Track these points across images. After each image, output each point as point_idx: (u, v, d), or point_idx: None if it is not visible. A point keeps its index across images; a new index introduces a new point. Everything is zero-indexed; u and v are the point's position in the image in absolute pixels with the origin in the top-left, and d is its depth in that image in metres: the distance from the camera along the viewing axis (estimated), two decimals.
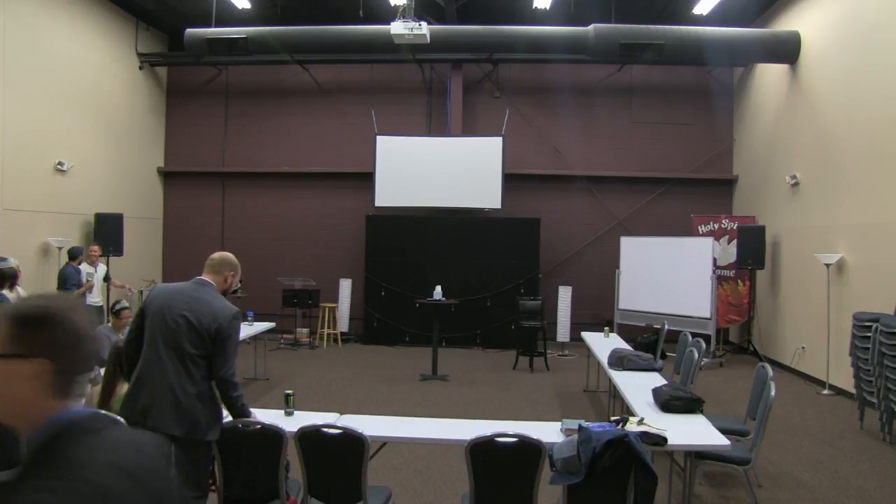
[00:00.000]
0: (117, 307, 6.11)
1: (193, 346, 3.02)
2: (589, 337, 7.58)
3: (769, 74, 10.21)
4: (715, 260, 9.82)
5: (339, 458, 3.16)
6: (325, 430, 3.17)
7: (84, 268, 8.44)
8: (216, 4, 9.88)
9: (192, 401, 2.98)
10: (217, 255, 3.32)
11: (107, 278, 8.89)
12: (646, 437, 3.31)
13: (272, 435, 3.15)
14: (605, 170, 11.61)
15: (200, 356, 3.04)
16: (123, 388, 3.40)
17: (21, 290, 6.75)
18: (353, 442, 3.10)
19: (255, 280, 11.49)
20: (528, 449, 3.01)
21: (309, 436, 3.16)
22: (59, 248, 8.96)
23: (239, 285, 3.44)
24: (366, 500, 3.14)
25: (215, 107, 12.25)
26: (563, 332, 10.70)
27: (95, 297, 8.48)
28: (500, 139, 11.01)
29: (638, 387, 4.74)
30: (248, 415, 3.23)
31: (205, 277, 3.22)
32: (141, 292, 10.78)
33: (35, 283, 8.37)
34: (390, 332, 10.84)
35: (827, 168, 8.34)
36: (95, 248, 8.76)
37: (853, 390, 6.58)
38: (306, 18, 10.26)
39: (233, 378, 3.09)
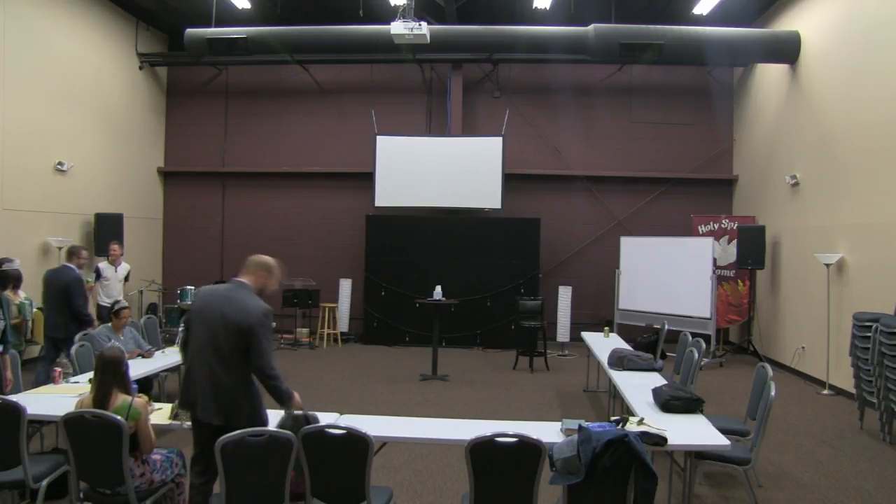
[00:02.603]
0: (117, 307, 6.11)
1: (227, 342, 3.24)
2: (589, 337, 7.59)
3: (769, 74, 10.21)
4: (715, 260, 9.82)
5: (343, 458, 3.15)
6: (329, 430, 3.16)
7: (104, 267, 8.22)
8: (216, 4, 9.88)
9: (229, 393, 3.26)
10: (253, 256, 3.55)
11: (126, 279, 8.53)
12: (646, 437, 3.31)
13: (282, 442, 3.09)
14: (605, 170, 11.61)
15: (236, 350, 3.25)
16: (119, 399, 3.40)
17: (22, 293, 6.74)
18: (356, 442, 3.10)
19: None
20: (528, 449, 3.01)
21: (313, 436, 3.15)
22: (59, 248, 8.96)
23: (277, 287, 3.56)
24: (369, 500, 3.13)
25: (215, 107, 12.25)
26: (563, 332, 10.70)
27: (106, 297, 8.08)
28: (500, 139, 11.01)
29: (638, 387, 4.75)
30: (289, 395, 3.38)
31: (241, 279, 3.45)
32: (141, 292, 10.80)
33: (35, 284, 8.36)
34: (390, 332, 10.84)
35: (827, 168, 8.34)
36: (115, 247, 8.37)
37: (853, 390, 6.58)
38: (306, 18, 10.26)
39: (268, 369, 3.28)
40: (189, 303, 10.27)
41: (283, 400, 3.39)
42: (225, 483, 3.06)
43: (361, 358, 9.82)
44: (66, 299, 6.44)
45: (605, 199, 11.68)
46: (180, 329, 6.45)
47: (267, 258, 3.54)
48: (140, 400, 3.50)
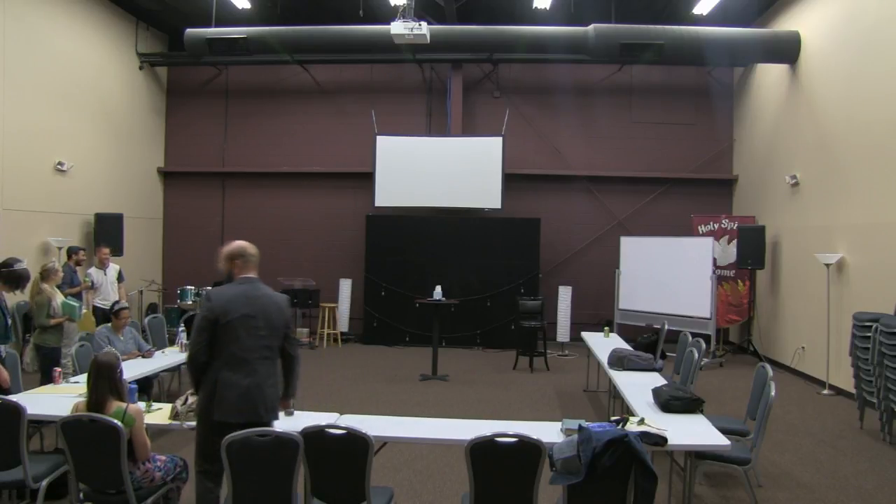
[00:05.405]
0: (116, 307, 6.11)
1: (271, 342, 3.37)
2: (589, 337, 7.59)
3: (769, 74, 10.21)
4: (715, 260, 9.82)
5: (343, 458, 3.15)
6: (329, 430, 3.16)
7: (93, 271, 8.24)
8: (216, 4, 9.88)
9: (274, 390, 3.38)
10: (250, 249, 3.47)
11: (120, 279, 8.51)
12: (646, 437, 3.32)
13: (288, 442, 3.07)
14: (605, 170, 11.61)
15: (277, 348, 3.42)
16: (113, 406, 3.40)
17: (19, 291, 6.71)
18: (357, 442, 3.10)
19: None
20: (528, 449, 3.01)
21: (313, 436, 3.15)
22: (59, 248, 8.96)
23: None
24: (369, 500, 3.13)
25: (215, 107, 12.25)
26: (563, 332, 10.70)
27: (105, 299, 8.12)
28: (500, 139, 11.01)
29: (638, 387, 4.75)
30: (295, 390, 3.62)
31: (252, 275, 3.45)
32: (141, 292, 10.80)
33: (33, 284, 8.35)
34: (390, 332, 10.84)
35: (827, 168, 8.34)
36: (105, 249, 8.44)
37: (853, 390, 6.58)
38: (306, 18, 10.26)
39: (298, 355, 3.55)
40: (190, 302, 10.24)
41: (293, 392, 3.57)
42: (231, 483, 3.07)
43: (361, 358, 9.82)
44: None
45: (605, 199, 11.68)
46: (180, 329, 6.47)
47: (252, 248, 3.49)
48: (135, 407, 3.49)
